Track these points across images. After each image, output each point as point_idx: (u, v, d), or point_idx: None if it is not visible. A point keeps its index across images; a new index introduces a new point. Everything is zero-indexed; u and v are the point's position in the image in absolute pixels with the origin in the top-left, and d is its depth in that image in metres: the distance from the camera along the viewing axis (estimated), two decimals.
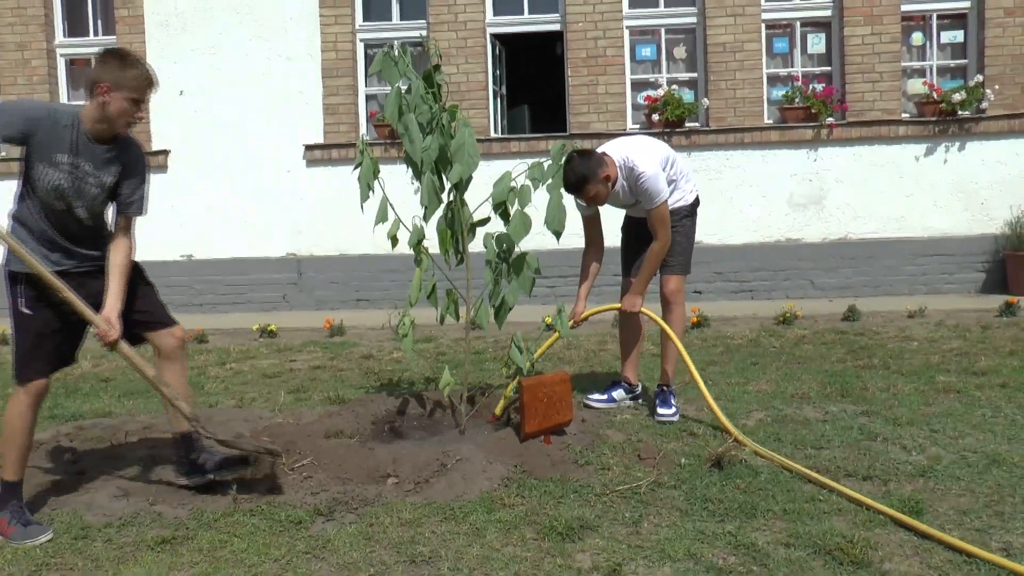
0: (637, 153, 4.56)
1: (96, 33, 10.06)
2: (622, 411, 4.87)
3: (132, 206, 3.64)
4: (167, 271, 9.43)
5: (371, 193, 4.24)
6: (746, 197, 9.12)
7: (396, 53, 4.22)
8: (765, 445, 4.12)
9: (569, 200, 4.47)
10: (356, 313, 8.93)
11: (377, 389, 5.52)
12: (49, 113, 3.41)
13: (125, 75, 3.38)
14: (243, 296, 9.56)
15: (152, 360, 3.85)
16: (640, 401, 5.03)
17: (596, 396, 4.96)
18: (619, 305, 4.83)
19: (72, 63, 10.14)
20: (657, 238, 4.60)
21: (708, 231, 9.06)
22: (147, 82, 3.45)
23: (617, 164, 4.55)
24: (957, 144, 8.94)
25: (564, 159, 4.37)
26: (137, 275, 3.75)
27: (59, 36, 10.03)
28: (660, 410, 4.67)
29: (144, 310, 3.74)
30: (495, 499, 3.55)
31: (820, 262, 9.03)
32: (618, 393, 4.97)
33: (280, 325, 8.14)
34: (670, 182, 4.71)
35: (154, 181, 9.55)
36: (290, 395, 5.56)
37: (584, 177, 4.42)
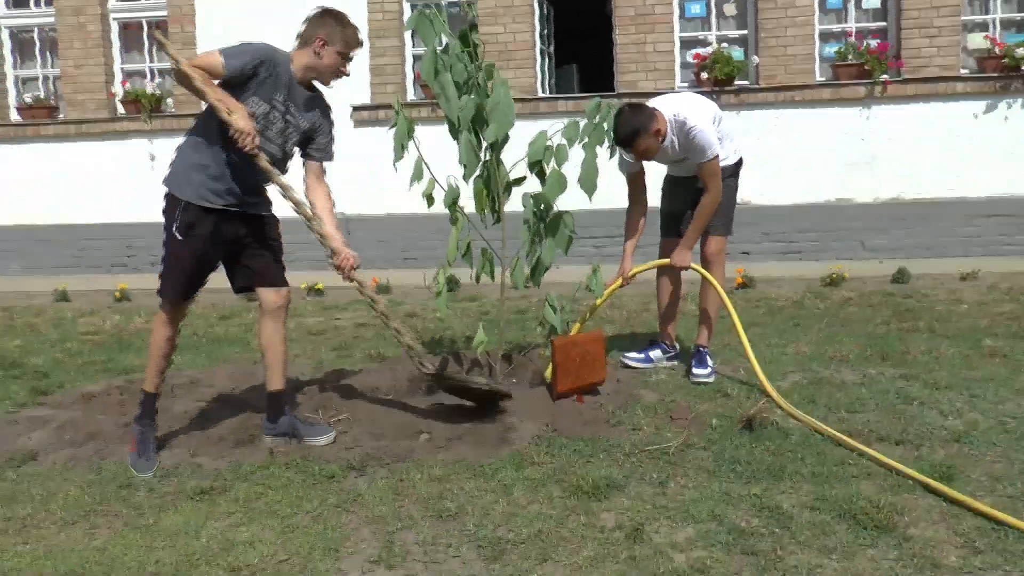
0: (688, 108, 4.53)
1: None
2: (658, 371, 4.88)
3: (326, 152, 3.95)
4: None
5: (405, 153, 4.27)
6: (796, 156, 8.96)
7: (432, 11, 4.21)
8: (799, 407, 4.10)
9: (603, 159, 4.45)
10: (403, 272, 9.02)
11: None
12: (271, 54, 3.66)
13: (341, 32, 3.72)
14: (293, 255, 9.48)
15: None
16: (678, 362, 5.03)
17: (633, 355, 4.98)
18: (667, 261, 4.79)
19: (125, 27, 10.31)
20: (708, 191, 4.57)
21: (757, 190, 8.94)
22: (357, 41, 3.80)
23: (667, 119, 4.52)
24: (1020, 101, 8.65)
25: (616, 112, 4.35)
26: (270, 230, 3.94)
27: (112, 1, 10.19)
28: (696, 370, 4.68)
29: (263, 265, 3.91)
30: (524, 457, 3.60)
31: (871, 222, 8.85)
32: (655, 353, 4.98)
33: (327, 284, 8.26)
34: (718, 139, 4.67)
35: None
36: (333, 352, 5.67)
37: (636, 130, 4.40)
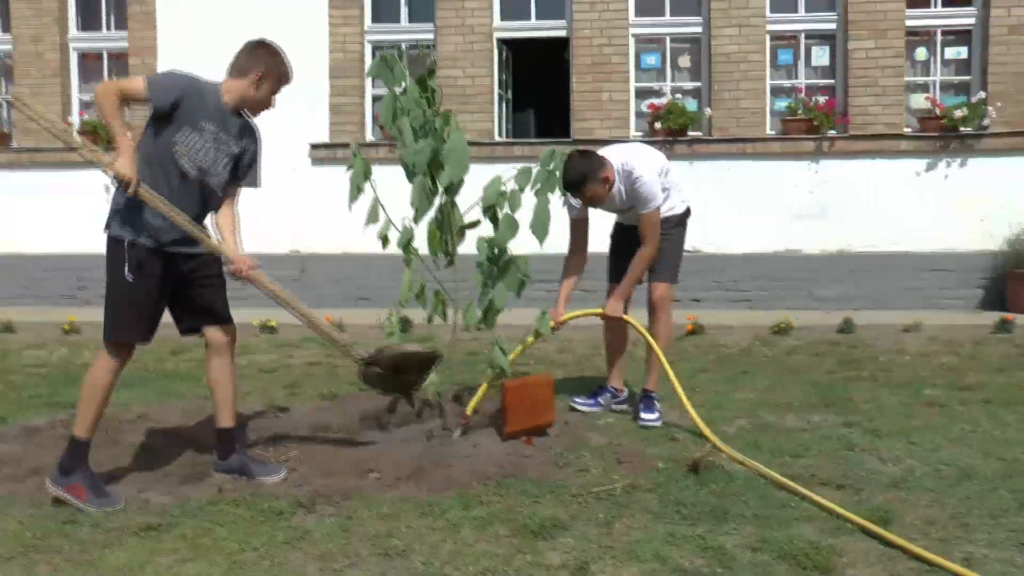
0: (635, 158, 4.66)
1: (109, 28, 10.21)
2: (607, 415, 4.95)
3: (253, 179, 4.07)
4: None
5: (360, 194, 4.33)
6: (747, 207, 9.17)
7: (394, 56, 4.30)
8: (744, 452, 4.18)
9: (555, 207, 4.55)
10: (357, 311, 8.99)
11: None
12: (195, 84, 3.74)
13: (278, 68, 3.85)
14: (247, 291, 9.51)
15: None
16: (626, 406, 5.10)
17: (582, 399, 5.04)
18: (601, 310, 4.89)
19: (84, 57, 10.28)
20: (646, 243, 4.68)
21: (708, 239, 9.14)
22: (290, 78, 3.96)
23: (615, 168, 4.64)
24: (959, 160, 8.97)
25: (566, 157, 4.45)
26: (213, 266, 3.95)
27: (72, 30, 10.18)
28: (643, 415, 4.75)
29: (208, 303, 3.94)
30: (472, 496, 3.63)
31: (819, 274, 9.08)
32: (604, 398, 5.05)
33: (281, 321, 8.20)
34: (663, 190, 4.80)
35: None
36: (284, 390, 5.66)
37: (584, 176, 4.51)
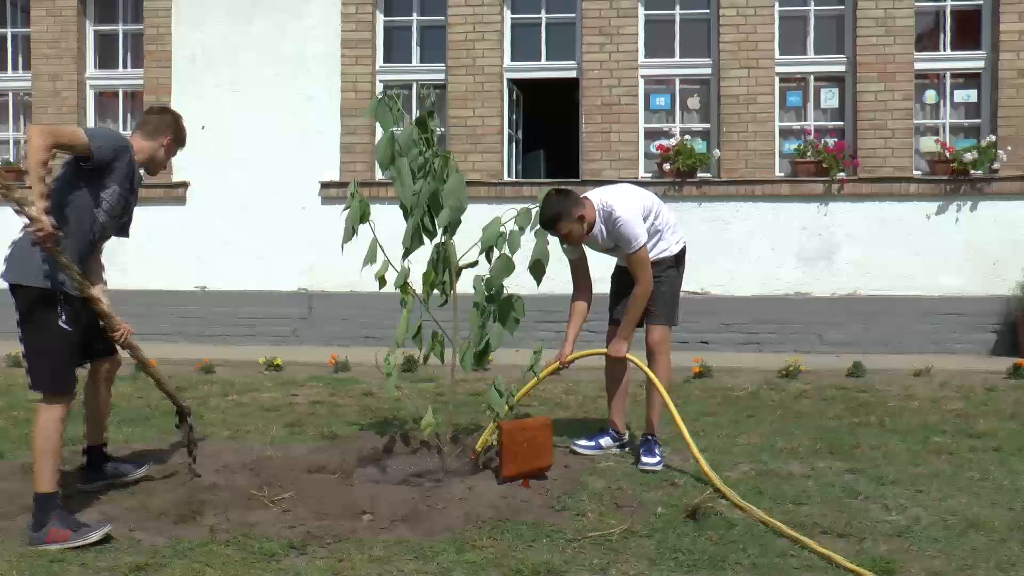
0: (616, 198, 4.65)
1: (125, 67, 10.35)
2: (607, 458, 4.88)
3: (127, 229, 4.26)
4: (181, 301, 9.60)
5: (354, 235, 4.34)
6: (755, 249, 9.15)
7: (392, 97, 4.33)
8: (746, 498, 4.11)
9: (554, 246, 4.54)
10: (363, 350, 8.96)
11: (369, 426, 5.57)
12: (129, 144, 4.01)
13: (181, 134, 4.24)
14: (254, 329, 9.67)
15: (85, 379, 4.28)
16: (627, 449, 5.04)
17: (583, 442, 4.98)
18: (605, 350, 4.85)
19: (101, 95, 10.42)
20: (638, 282, 4.65)
21: (717, 282, 9.10)
22: (184, 144, 4.32)
23: (596, 207, 4.63)
24: (969, 204, 8.92)
25: (543, 196, 4.46)
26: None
27: (90, 69, 10.33)
28: (644, 459, 4.69)
29: (103, 338, 4.14)
30: (466, 540, 3.58)
31: (829, 317, 9.00)
32: (605, 440, 4.99)
33: (287, 359, 8.22)
34: (655, 232, 4.78)
35: (173, 213, 9.74)
36: (285, 429, 5.62)
37: (557, 214, 4.51)
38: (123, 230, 4.20)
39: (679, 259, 4.93)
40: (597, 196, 4.69)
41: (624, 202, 4.62)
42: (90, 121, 10.31)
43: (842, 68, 9.27)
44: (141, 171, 4.16)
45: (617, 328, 4.85)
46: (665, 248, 4.83)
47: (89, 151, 3.70)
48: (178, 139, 4.22)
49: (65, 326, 3.72)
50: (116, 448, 5.10)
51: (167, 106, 4.38)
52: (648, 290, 4.66)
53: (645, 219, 4.69)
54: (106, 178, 3.85)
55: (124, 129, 10.35)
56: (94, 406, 4.33)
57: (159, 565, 3.38)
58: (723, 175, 9.20)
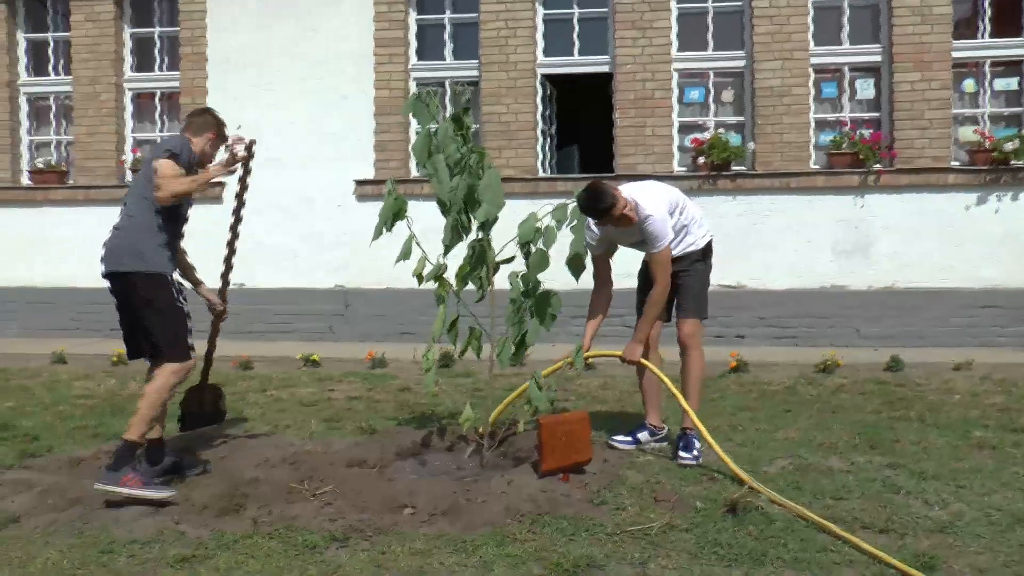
0: (644, 196, 4.64)
1: (162, 69, 10.49)
2: (645, 453, 4.89)
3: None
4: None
5: (387, 231, 4.40)
6: (790, 242, 9.08)
7: (428, 94, 4.37)
8: (784, 493, 4.10)
9: None
10: (399, 346, 9.04)
11: (407, 421, 5.62)
12: (187, 140, 4.46)
13: (222, 131, 4.64)
14: (291, 326, 9.77)
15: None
16: (665, 444, 5.04)
17: (620, 437, 4.98)
18: (620, 352, 4.84)
19: (138, 97, 10.58)
20: (657, 282, 4.67)
21: (752, 275, 9.05)
22: (227, 139, 4.68)
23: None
24: (1010, 194, 8.79)
25: (583, 191, 4.46)
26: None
27: (127, 71, 10.49)
28: (681, 453, 4.69)
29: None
30: (507, 534, 3.61)
31: (865, 310, 8.91)
32: (643, 435, 4.99)
33: (324, 355, 8.30)
34: (682, 227, 4.79)
35: (210, 212, 9.89)
36: (323, 424, 5.68)
37: (613, 200, 4.50)
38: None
39: (706, 252, 4.93)
40: (626, 192, 4.68)
41: (652, 201, 4.62)
42: (127, 122, 10.47)
43: (878, 58, 9.17)
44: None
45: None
46: (692, 242, 4.83)
47: (182, 167, 4.30)
48: (220, 135, 4.62)
49: (178, 303, 4.31)
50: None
51: (206, 107, 4.85)
52: (666, 290, 4.67)
53: (671, 217, 4.69)
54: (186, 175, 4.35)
55: (162, 130, 10.52)
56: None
57: (204, 557, 3.44)
58: (758, 168, 9.14)
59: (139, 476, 4.05)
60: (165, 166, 4.22)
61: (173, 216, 4.40)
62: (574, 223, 4.39)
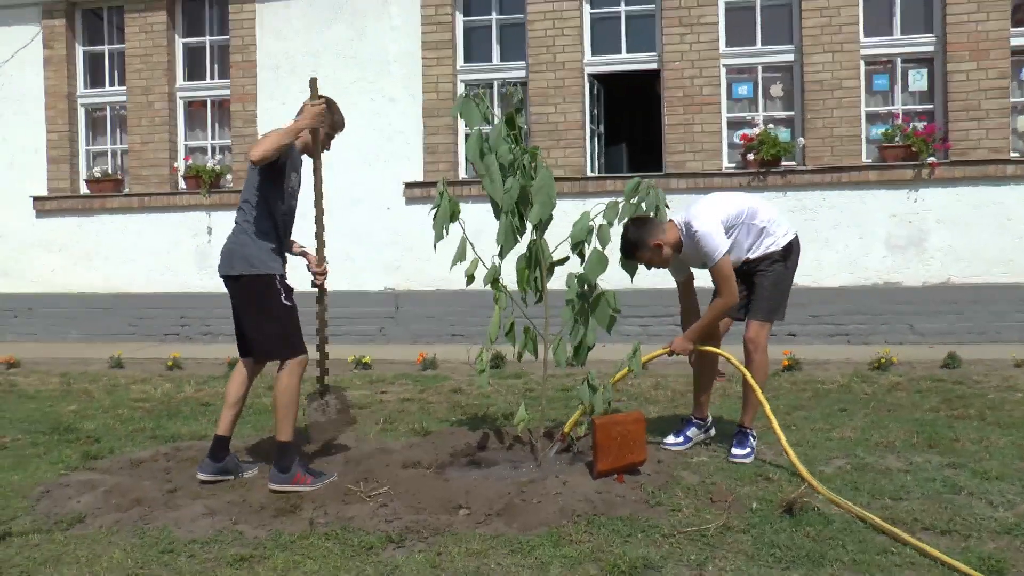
0: (696, 211, 4.59)
1: (213, 77, 10.68)
2: (699, 452, 4.85)
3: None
4: None
5: (445, 234, 4.41)
6: (842, 238, 8.95)
7: (479, 95, 4.39)
8: (841, 493, 4.04)
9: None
10: (450, 347, 9.10)
11: (461, 422, 5.64)
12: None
13: (331, 117, 4.54)
14: (341, 328, 9.85)
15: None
16: (712, 433, 5.01)
17: (671, 439, 4.95)
18: (667, 348, 4.79)
19: (190, 105, 10.78)
20: (720, 294, 4.59)
21: (803, 272, 8.77)
22: (342, 126, 4.68)
23: (679, 227, 4.59)
24: None
25: (624, 226, 4.46)
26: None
27: (179, 80, 10.69)
28: (735, 450, 4.65)
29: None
30: (563, 535, 3.60)
31: (920, 306, 8.75)
32: (692, 431, 4.96)
33: (375, 357, 8.37)
34: (759, 231, 4.67)
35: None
36: (376, 425, 5.73)
37: (635, 244, 4.51)
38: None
39: (787, 253, 4.76)
40: (681, 215, 4.65)
41: (702, 215, 4.54)
42: (180, 130, 10.67)
43: (931, 48, 8.99)
44: (303, 156, 4.60)
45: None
46: (773, 243, 4.71)
47: (285, 163, 4.33)
48: (326, 123, 4.50)
49: (286, 302, 4.37)
50: (199, 443, 5.28)
51: (319, 95, 4.57)
52: (729, 303, 4.59)
53: (733, 228, 4.60)
54: (287, 167, 4.38)
55: (213, 137, 10.70)
56: (236, 397, 4.57)
57: (261, 557, 3.49)
58: (808, 163, 9.03)
59: (307, 473, 4.32)
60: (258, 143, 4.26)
61: (279, 214, 4.42)
62: (626, 220, 4.37)
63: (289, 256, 4.63)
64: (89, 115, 11.07)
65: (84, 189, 10.87)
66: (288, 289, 4.42)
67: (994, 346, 8.26)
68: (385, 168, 9.85)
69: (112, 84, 10.96)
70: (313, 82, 4.48)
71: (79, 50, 10.95)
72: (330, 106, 4.53)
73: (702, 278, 4.83)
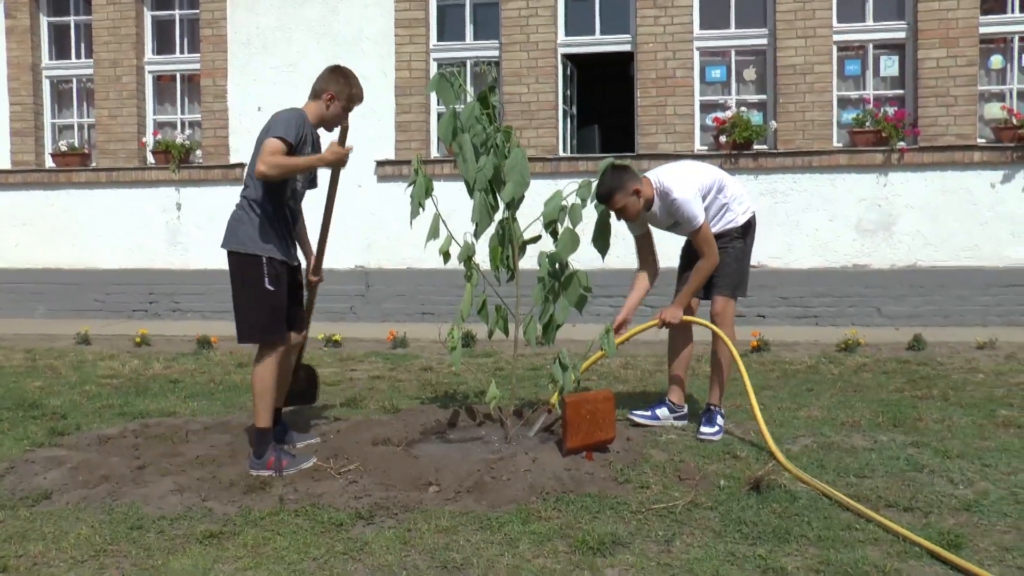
0: (673, 178, 4.64)
1: (182, 51, 10.53)
2: (668, 431, 4.89)
3: (315, 180, 4.65)
4: None
5: (422, 210, 4.39)
6: (812, 221, 9.03)
7: (453, 73, 4.37)
8: (808, 471, 4.10)
9: (620, 225, 4.54)
10: (421, 326, 9.10)
11: (431, 400, 5.65)
12: (302, 115, 4.30)
13: (347, 89, 4.36)
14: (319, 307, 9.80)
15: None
16: (686, 422, 5.05)
17: (640, 412, 5.00)
18: (655, 321, 4.84)
19: (159, 79, 10.62)
20: (704, 257, 4.66)
21: (773, 254, 9.01)
22: (360, 98, 4.45)
23: (654, 186, 4.63)
24: None
25: (602, 169, 4.47)
26: (302, 276, 4.63)
27: (148, 54, 10.53)
28: (703, 428, 4.71)
29: (297, 310, 4.60)
30: (532, 511, 3.62)
31: (888, 289, 8.86)
32: (662, 411, 5.00)
33: (345, 335, 8.35)
34: (721, 206, 4.77)
35: (231, 194, 9.90)
36: (347, 403, 5.72)
37: (613, 189, 4.53)
38: (312, 183, 4.62)
39: (746, 230, 4.88)
40: (655, 176, 4.70)
41: (680, 183, 4.61)
42: (149, 104, 10.52)
43: (902, 35, 9.06)
44: (318, 131, 4.44)
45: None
46: (731, 220, 4.81)
47: (288, 145, 4.13)
48: (343, 95, 4.35)
49: (269, 287, 4.21)
50: (183, 422, 5.25)
51: (335, 65, 4.47)
52: (714, 264, 4.67)
53: (705, 197, 4.68)
54: (299, 151, 4.23)
55: (182, 112, 10.57)
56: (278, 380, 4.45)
57: (231, 533, 3.48)
58: (780, 147, 9.08)
59: (282, 457, 4.23)
60: (270, 144, 4.11)
61: (281, 195, 4.29)
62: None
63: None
64: (54, 87, 10.88)
65: (50, 163, 10.69)
66: (278, 274, 4.24)
67: (958, 329, 8.39)
68: (357, 146, 9.64)
69: (79, 56, 10.77)
70: (344, 130, 4.47)
71: (43, 20, 10.74)
72: (347, 78, 4.38)
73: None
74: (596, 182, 4.52)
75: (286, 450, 4.42)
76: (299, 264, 4.53)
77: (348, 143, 4.47)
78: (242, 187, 4.38)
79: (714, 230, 4.75)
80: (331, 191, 4.68)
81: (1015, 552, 3.23)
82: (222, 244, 4.33)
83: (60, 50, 10.88)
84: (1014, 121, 8.67)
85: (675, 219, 4.67)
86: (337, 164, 4.39)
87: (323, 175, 4.62)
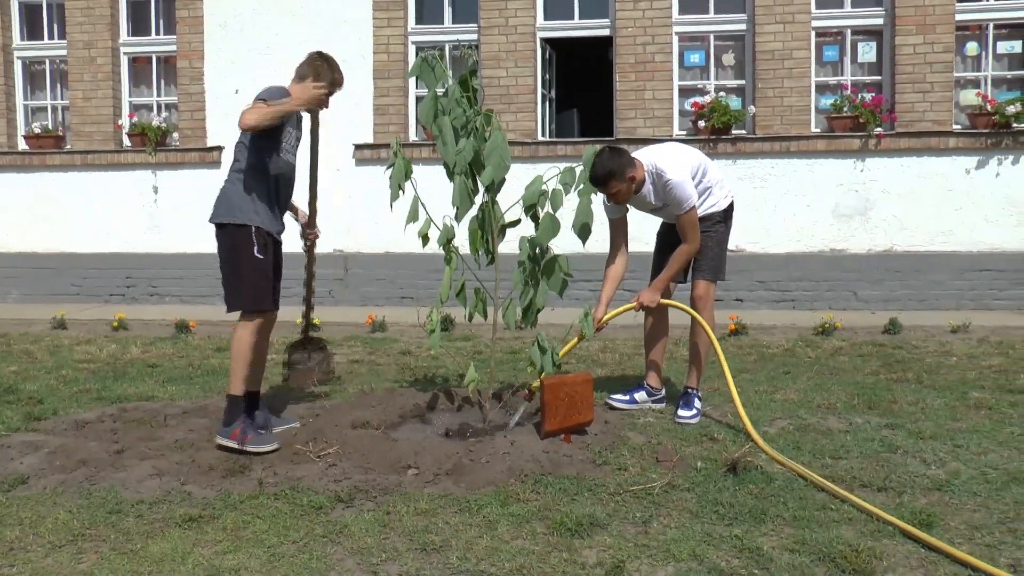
0: (666, 159, 4.64)
1: (158, 32, 10.41)
2: (646, 414, 4.93)
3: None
4: (216, 264, 9.72)
5: (401, 193, 4.39)
6: (790, 206, 9.08)
7: (434, 57, 4.35)
8: (784, 453, 4.15)
9: (598, 204, 4.55)
10: (399, 310, 9.08)
11: (410, 384, 5.66)
12: (286, 93, 4.41)
13: (329, 74, 4.48)
14: (290, 290, 9.58)
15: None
16: (664, 405, 5.08)
17: (618, 396, 5.03)
18: (634, 304, 4.85)
19: (134, 61, 10.50)
20: (687, 241, 4.69)
21: (752, 239, 9.06)
22: (340, 82, 4.57)
23: (646, 168, 4.63)
24: (1011, 158, 8.77)
25: (595, 153, 4.46)
26: (281, 256, 4.66)
27: (123, 35, 10.40)
28: (680, 411, 4.74)
29: (277, 288, 4.67)
30: (510, 494, 3.65)
31: (864, 274, 8.94)
32: (640, 395, 5.03)
33: (324, 319, 8.32)
34: (704, 189, 4.79)
35: (208, 177, 9.85)
36: (326, 386, 5.71)
37: (610, 172, 4.50)
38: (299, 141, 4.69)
39: (727, 214, 4.92)
40: (646, 156, 4.69)
41: (674, 164, 4.62)
42: (124, 86, 10.41)
43: (880, 21, 9.10)
44: (302, 112, 4.59)
45: None
46: (713, 204, 4.83)
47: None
48: (325, 79, 4.46)
49: (258, 255, 4.32)
50: (162, 406, 5.24)
51: (318, 52, 4.61)
52: (695, 249, 4.70)
53: (694, 179, 4.69)
54: (282, 127, 4.39)
55: (158, 94, 10.46)
56: (253, 354, 4.49)
57: (211, 517, 3.48)
58: (758, 132, 9.12)
59: (247, 431, 4.25)
60: (254, 102, 4.25)
61: (273, 167, 4.40)
62: (581, 187, 4.39)
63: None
64: (27, 68, 10.73)
65: (23, 145, 10.56)
66: (265, 243, 4.36)
67: (933, 312, 8.49)
68: (335, 129, 9.67)
69: (52, 37, 10.62)
70: (316, 68, 4.47)
71: (14, 0, 10.58)
72: (329, 63, 4.50)
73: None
74: (581, 166, 4.48)
75: (254, 427, 4.42)
76: (281, 242, 4.59)
77: (325, 113, 4.71)
78: (232, 163, 4.46)
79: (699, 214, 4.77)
80: (313, 138, 4.76)
81: (984, 530, 3.29)
82: (211, 218, 4.41)
83: (32, 31, 10.72)
84: (988, 108, 8.75)
85: (664, 201, 4.67)
86: (316, 106, 4.49)
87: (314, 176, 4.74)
